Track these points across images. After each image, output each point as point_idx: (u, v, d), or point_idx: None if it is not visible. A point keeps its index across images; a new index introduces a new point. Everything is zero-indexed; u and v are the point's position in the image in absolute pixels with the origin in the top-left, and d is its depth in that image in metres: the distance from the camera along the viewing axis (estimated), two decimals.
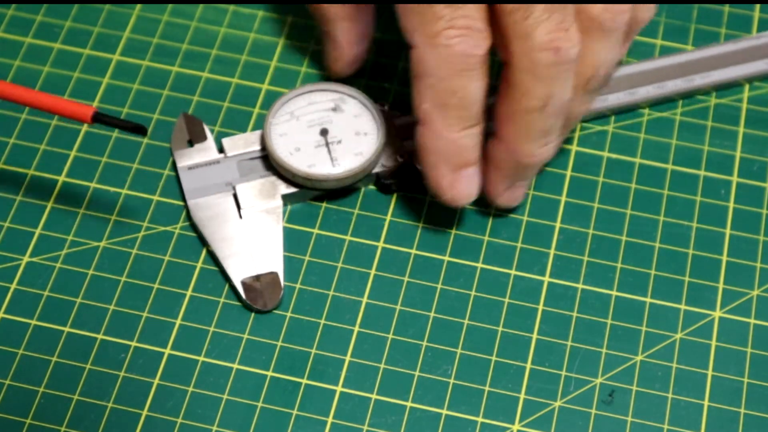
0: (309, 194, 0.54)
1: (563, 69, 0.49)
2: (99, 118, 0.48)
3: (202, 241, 0.53)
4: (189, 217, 0.53)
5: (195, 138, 0.55)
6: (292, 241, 0.53)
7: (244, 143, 0.54)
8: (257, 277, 0.51)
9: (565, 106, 0.50)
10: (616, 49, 0.50)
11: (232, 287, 0.52)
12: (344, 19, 0.55)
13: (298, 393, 0.50)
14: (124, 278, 0.52)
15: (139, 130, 0.47)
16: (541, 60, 0.48)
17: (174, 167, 0.55)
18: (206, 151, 0.54)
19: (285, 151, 0.53)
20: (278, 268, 0.52)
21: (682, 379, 0.51)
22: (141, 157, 0.55)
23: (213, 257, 0.52)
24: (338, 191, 0.54)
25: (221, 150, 0.54)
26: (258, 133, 0.55)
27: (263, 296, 0.51)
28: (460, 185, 0.51)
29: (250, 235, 0.52)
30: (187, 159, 0.54)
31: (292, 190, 0.53)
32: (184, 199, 0.54)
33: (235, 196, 0.53)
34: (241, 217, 0.52)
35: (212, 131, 0.56)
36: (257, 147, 0.54)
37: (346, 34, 0.56)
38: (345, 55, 0.56)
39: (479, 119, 0.50)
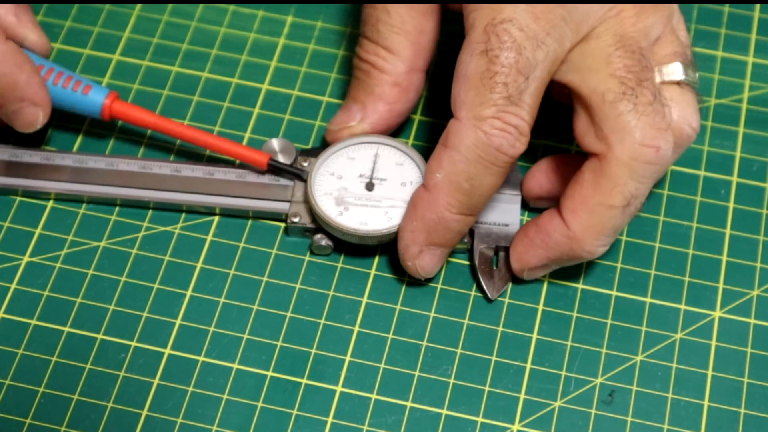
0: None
1: (657, 169, 0.47)
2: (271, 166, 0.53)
3: None
4: None
5: None
6: (292, 242, 0.53)
7: None
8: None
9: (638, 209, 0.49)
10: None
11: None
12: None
13: (298, 393, 0.50)
14: (124, 278, 0.52)
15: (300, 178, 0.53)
16: (642, 157, 0.47)
17: None
18: None
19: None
20: None
21: (682, 379, 0.51)
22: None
23: None
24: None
25: None
26: None
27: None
28: (425, 259, 0.50)
29: None
30: None
31: None
32: None
33: None
34: None
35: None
36: None
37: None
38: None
39: (477, 212, 0.49)
